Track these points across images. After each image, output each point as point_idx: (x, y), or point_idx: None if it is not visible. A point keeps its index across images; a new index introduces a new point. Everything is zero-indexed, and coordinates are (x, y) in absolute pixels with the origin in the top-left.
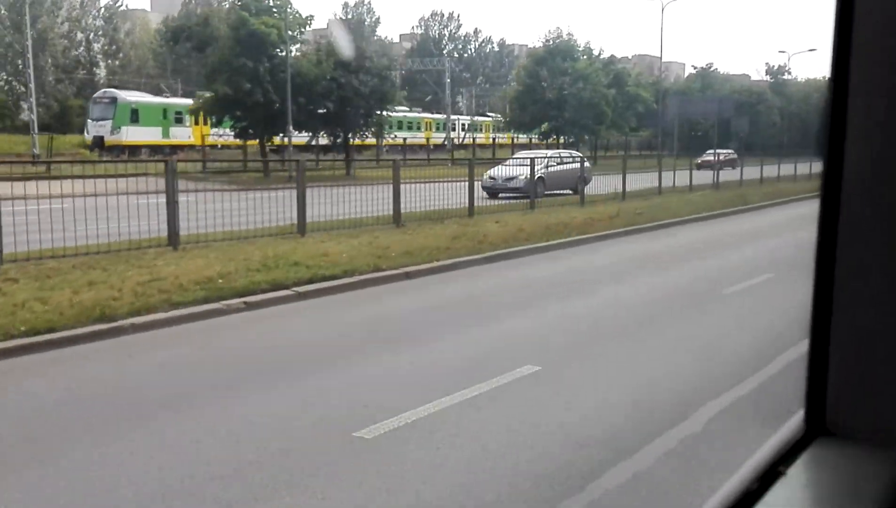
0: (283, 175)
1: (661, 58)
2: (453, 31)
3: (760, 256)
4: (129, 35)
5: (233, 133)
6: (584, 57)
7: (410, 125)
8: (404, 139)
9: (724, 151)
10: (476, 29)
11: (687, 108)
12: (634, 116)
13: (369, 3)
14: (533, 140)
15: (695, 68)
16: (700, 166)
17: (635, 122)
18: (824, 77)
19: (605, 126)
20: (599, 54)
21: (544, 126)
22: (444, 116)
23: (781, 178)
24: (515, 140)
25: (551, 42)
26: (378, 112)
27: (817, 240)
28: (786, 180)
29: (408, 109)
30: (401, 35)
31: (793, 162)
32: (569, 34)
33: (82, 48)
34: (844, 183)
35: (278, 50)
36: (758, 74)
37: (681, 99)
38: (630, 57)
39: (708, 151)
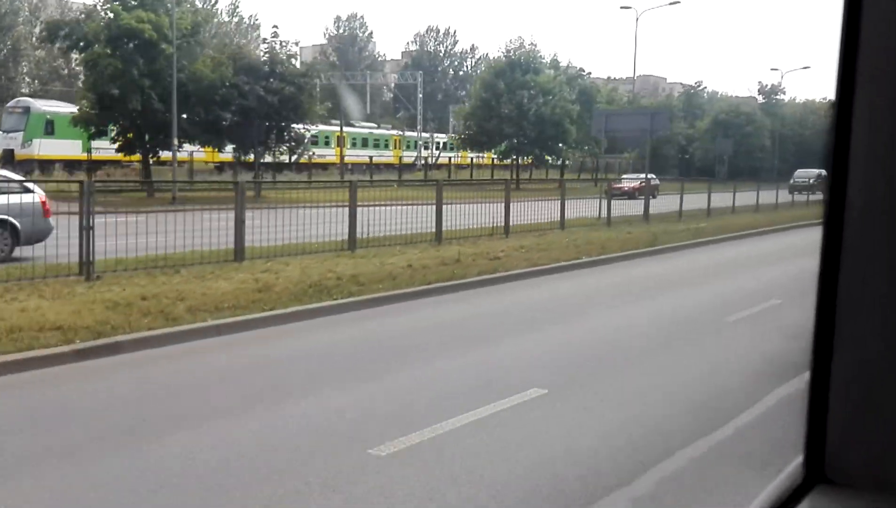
0: (184, 195)
1: (634, 72)
2: (449, 47)
3: (561, 344)
4: None
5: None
6: (550, 70)
7: (377, 143)
8: (338, 157)
9: (644, 175)
10: (473, 45)
11: (613, 123)
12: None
13: (362, 17)
14: (495, 161)
15: (683, 87)
16: (613, 194)
17: (606, 141)
18: (825, 98)
19: (568, 146)
20: (567, 67)
21: (503, 145)
22: (417, 133)
23: (739, 209)
24: (488, 161)
25: (512, 53)
26: (295, 125)
27: (819, 274)
28: (744, 212)
29: (375, 125)
30: (402, 52)
31: (774, 189)
32: (531, 44)
33: (61, 59)
34: (847, 215)
35: (163, 50)
36: (749, 92)
37: (606, 113)
38: (635, 77)
39: (625, 176)
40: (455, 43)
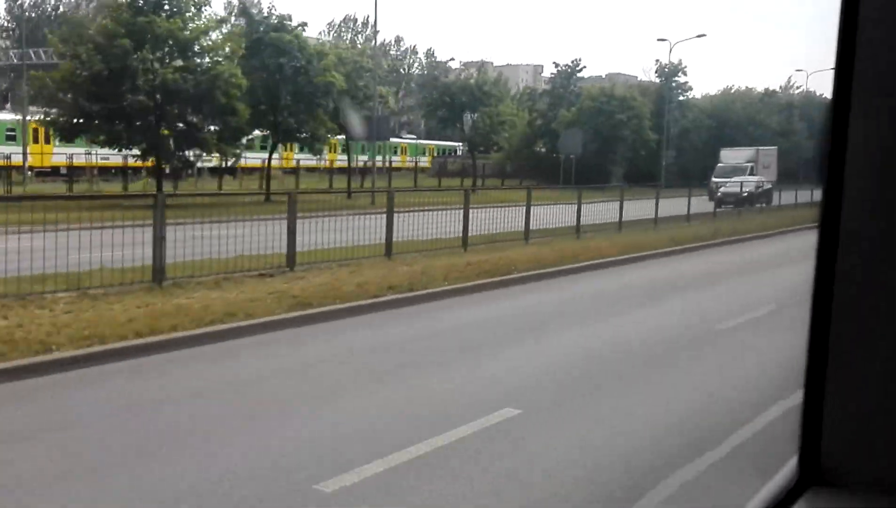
0: None
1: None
2: (370, 37)
3: None
4: None
5: None
6: (213, 14)
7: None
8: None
9: None
10: (398, 37)
11: None
12: (335, 116)
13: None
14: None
15: (556, 66)
16: None
17: (331, 127)
18: (746, 87)
19: (231, 129)
20: (269, 15)
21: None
22: None
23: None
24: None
25: None
26: None
27: (814, 281)
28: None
29: None
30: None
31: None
32: None
33: None
34: (843, 221)
35: None
36: (644, 74)
37: None
38: (603, 76)
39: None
40: (377, 33)
